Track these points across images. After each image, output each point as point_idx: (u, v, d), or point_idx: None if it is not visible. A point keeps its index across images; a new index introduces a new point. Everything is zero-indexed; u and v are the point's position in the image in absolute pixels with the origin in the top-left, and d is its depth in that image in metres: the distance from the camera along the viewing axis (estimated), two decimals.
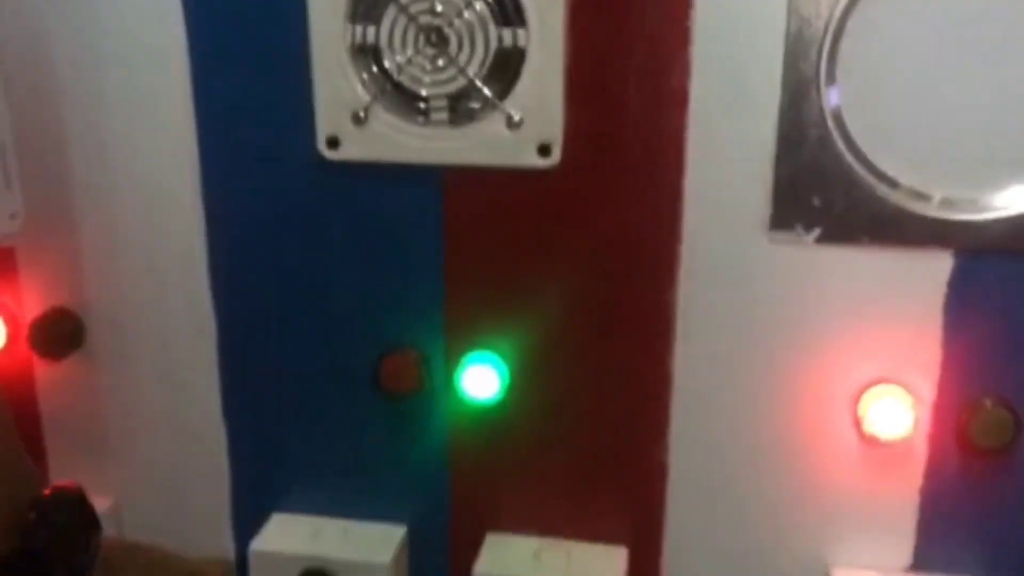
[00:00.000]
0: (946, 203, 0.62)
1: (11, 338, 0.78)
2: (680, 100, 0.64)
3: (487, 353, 0.71)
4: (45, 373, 0.79)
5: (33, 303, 0.78)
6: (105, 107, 0.74)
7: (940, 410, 0.66)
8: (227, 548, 0.82)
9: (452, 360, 0.72)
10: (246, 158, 0.72)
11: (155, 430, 0.81)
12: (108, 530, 0.74)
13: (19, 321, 0.77)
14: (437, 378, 0.73)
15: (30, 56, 0.72)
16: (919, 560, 0.70)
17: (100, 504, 0.80)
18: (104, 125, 0.74)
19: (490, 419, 0.73)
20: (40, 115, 0.73)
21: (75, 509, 0.77)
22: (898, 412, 0.66)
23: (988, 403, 0.65)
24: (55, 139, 0.74)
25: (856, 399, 0.67)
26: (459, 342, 0.72)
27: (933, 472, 0.68)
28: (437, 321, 0.72)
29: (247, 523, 0.80)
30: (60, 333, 0.77)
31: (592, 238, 0.67)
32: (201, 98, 0.71)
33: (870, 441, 0.67)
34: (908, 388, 0.66)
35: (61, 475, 0.83)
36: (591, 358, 0.72)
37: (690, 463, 0.73)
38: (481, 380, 0.71)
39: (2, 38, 0.71)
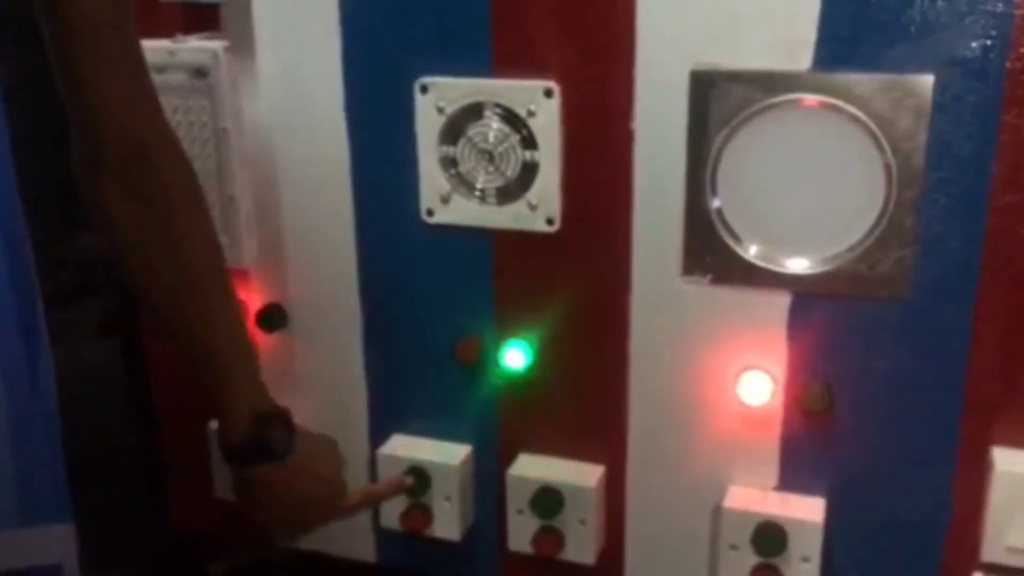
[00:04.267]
0: (781, 262, 0.89)
1: (247, 319, 1.04)
2: (626, 194, 0.92)
3: (519, 341, 1.00)
4: (263, 341, 1.08)
5: (260, 298, 1.09)
6: (295, 171, 1.03)
7: (787, 387, 0.91)
8: (365, 455, 1.10)
9: (498, 344, 1.01)
10: (380, 218, 1.02)
11: (322, 381, 1.10)
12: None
13: (252, 308, 1.08)
14: (489, 356, 1.02)
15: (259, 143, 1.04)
16: (782, 483, 0.94)
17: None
18: (298, 191, 1.04)
19: (520, 381, 1.01)
20: (262, 176, 1.05)
21: None
22: (762, 388, 0.92)
23: (814, 384, 0.90)
24: (272, 196, 1.06)
25: (737, 379, 0.93)
26: (502, 334, 1.00)
27: (786, 425, 0.93)
28: (489, 320, 1.01)
29: (376, 440, 1.09)
30: (273, 317, 1.08)
31: (578, 272, 0.96)
32: (357, 182, 1.01)
33: (745, 406, 0.93)
34: (768, 373, 0.92)
35: (276, 399, 1.00)
36: (580, 347, 0.98)
37: (642, 418, 0.97)
38: (515, 357, 1.00)
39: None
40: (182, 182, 0.84)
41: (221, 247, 0.89)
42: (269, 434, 0.91)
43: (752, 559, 0.93)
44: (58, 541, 1.19)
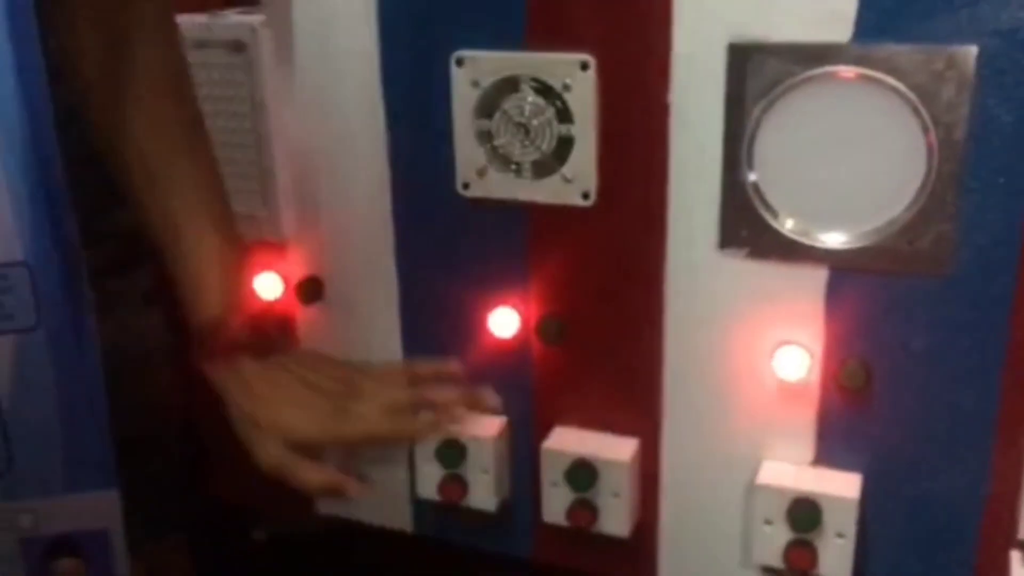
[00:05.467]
0: (818, 237, 0.88)
1: (285, 292, 1.10)
2: (661, 168, 0.92)
3: (551, 318, 1.01)
4: (302, 313, 1.11)
5: (297, 271, 1.10)
6: (332, 145, 1.04)
7: (824, 363, 0.90)
8: None
9: (531, 319, 1.03)
10: (416, 192, 1.02)
11: (358, 353, 1.05)
12: None
13: (290, 281, 1.10)
14: (526, 330, 1.03)
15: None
16: (817, 458, 0.94)
17: None
18: (335, 165, 1.05)
19: (554, 355, 1.03)
20: (299, 150, 1.06)
21: None
22: (799, 363, 0.91)
23: (851, 359, 0.89)
24: (309, 170, 1.07)
25: (772, 354, 0.92)
26: (535, 309, 1.02)
27: (822, 401, 0.91)
28: (524, 293, 1.01)
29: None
30: (310, 289, 1.09)
31: (614, 246, 0.96)
32: (393, 156, 1.02)
33: (781, 381, 0.93)
34: (805, 347, 0.90)
35: None
36: (616, 320, 0.98)
37: (676, 392, 0.98)
38: (549, 332, 1.01)
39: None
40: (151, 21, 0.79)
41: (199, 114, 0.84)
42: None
43: (787, 534, 0.93)
44: (104, 507, 1.21)
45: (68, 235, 1.19)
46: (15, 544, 1.21)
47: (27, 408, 1.19)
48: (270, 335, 0.84)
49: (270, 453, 0.82)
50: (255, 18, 1.00)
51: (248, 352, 0.83)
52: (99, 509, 1.22)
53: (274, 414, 0.82)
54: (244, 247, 0.87)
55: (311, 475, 0.81)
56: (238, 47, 0.99)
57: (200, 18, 1.01)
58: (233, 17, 1.01)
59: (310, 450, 0.82)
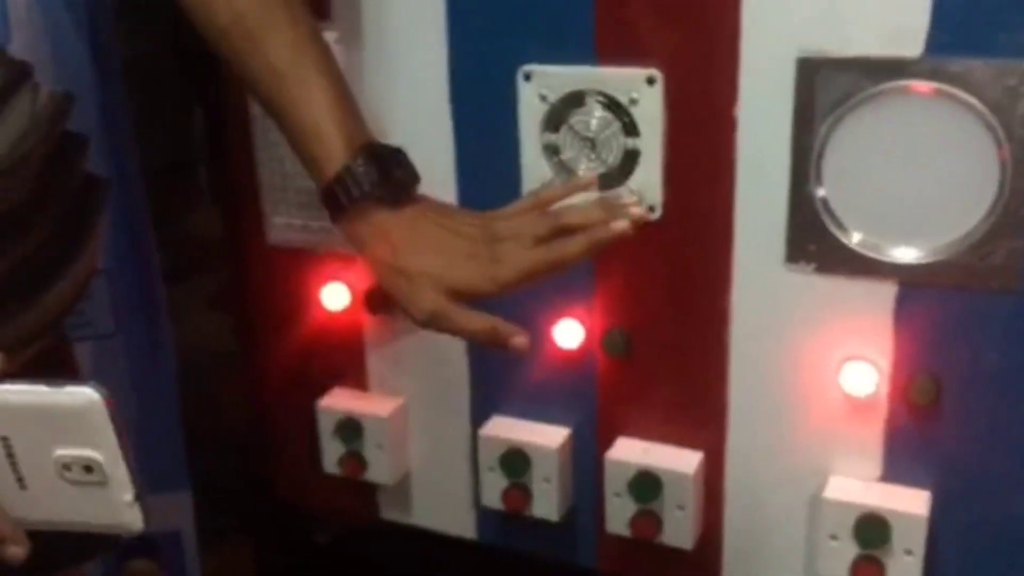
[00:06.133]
0: (888, 252, 0.88)
1: (352, 301, 1.12)
2: (728, 182, 0.92)
3: (616, 330, 1.01)
4: (369, 324, 1.14)
5: (363, 282, 1.10)
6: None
7: (893, 378, 0.90)
8: (466, 435, 1.12)
9: (596, 331, 1.03)
10: (483, 204, 0.92)
11: (425, 362, 1.13)
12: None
13: (357, 291, 1.12)
14: (591, 342, 1.04)
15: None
16: (885, 474, 0.93)
17: (389, 405, 1.13)
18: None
19: (618, 366, 1.03)
20: None
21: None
22: (867, 378, 0.91)
23: (921, 375, 0.89)
24: None
25: (839, 369, 0.92)
26: (600, 321, 1.02)
27: (890, 417, 0.91)
28: (589, 304, 1.02)
29: (477, 421, 1.10)
30: (379, 300, 1.10)
31: (679, 258, 0.96)
32: (461, 168, 1.04)
33: (848, 396, 0.92)
34: (872, 363, 0.90)
35: (378, 378, 1.16)
36: (681, 333, 0.98)
37: (742, 405, 0.98)
38: (614, 344, 1.02)
39: None
40: None
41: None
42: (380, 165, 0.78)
43: (853, 550, 0.93)
44: (177, 508, 1.26)
45: (146, 242, 1.23)
46: None
47: None
48: (400, 178, 0.79)
49: (427, 300, 0.76)
50: (328, 35, 1.01)
51: (380, 201, 0.77)
52: (173, 510, 1.26)
53: (423, 262, 0.76)
54: (350, 92, 0.82)
55: (475, 322, 0.76)
56: None
57: None
58: None
59: (464, 298, 0.77)
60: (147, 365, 1.23)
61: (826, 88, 0.86)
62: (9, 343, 0.73)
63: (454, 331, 0.77)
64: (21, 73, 0.73)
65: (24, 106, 0.70)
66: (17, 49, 1.12)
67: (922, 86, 0.83)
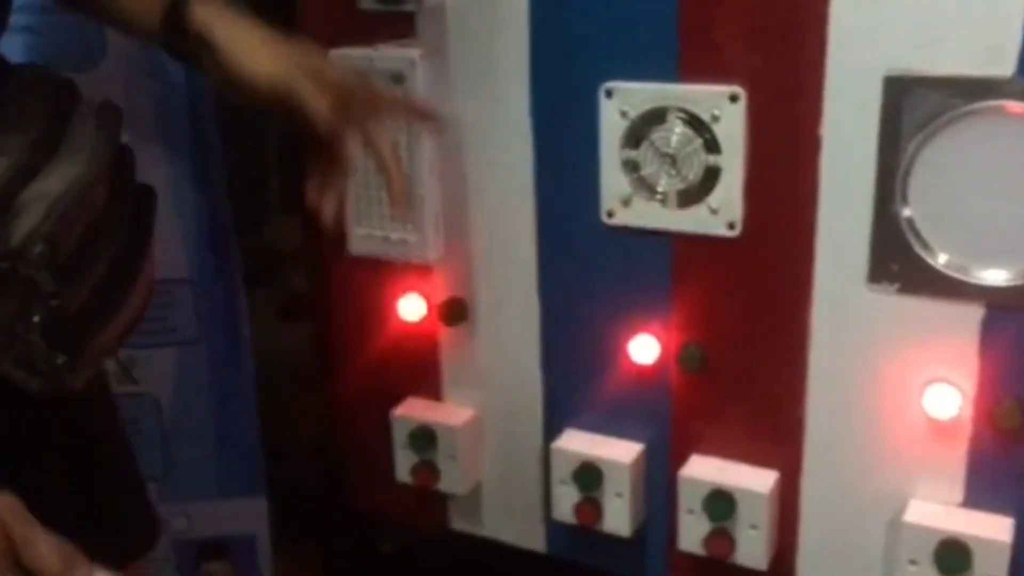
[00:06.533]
0: (975, 274, 0.87)
1: (428, 313, 1.14)
2: (810, 200, 0.91)
3: (693, 346, 1.01)
4: (445, 335, 1.14)
5: (440, 294, 1.13)
6: (482, 172, 1.07)
7: (977, 402, 0.89)
8: (539, 448, 1.13)
9: (671, 346, 1.03)
10: (561, 218, 1.05)
11: (499, 375, 1.13)
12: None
13: (432, 303, 1.13)
14: (666, 358, 1.04)
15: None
16: (967, 500, 0.92)
17: (462, 415, 1.15)
18: (483, 191, 1.08)
19: (693, 383, 1.03)
20: (451, 176, 1.09)
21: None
22: (950, 401, 0.90)
23: (1007, 399, 0.87)
24: (460, 196, 1.10)
25: (922, 391, 0.91)
26: (676, 337, 1.03)
27: (973, 441, 0.90)
28: (666, 321, 1.02)
29: (550, 434, 1.11)
30: (455, 311, 1.12)
31: (759, 276, 0.96)
32: (540, 183, 1.05)
33: (931, 419, 0.91)
34: (956, 386, 0.89)
35: (455, 390, 1.17)
36: (759, 351, 0.98)
37: (819, 425, 0.97)
38: (690, 360, 1.01)
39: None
40: None
41: None
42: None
43: None
44: (252, 513, 1.29)
45: (229, 251, 1.27)
46: (169, 545, 1.29)
47: (185, 417, 1.28)
48: None
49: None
50: (414, 51, 1.04)
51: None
52: (248, 514, 1.29)
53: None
54: None
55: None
56: (398, 78, 1.03)
57: (363, 51, 1.05)
58: (394, 50, 1.05)
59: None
60: (228, 372, 1.26)
61: (914, 107, 0.85)
62: (96, 355, 0.75)
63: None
64: (72, 85, 0.75)
65: (88, 114, 0.72)
66: (113, 66, 1.17)
67: (1014, 106, 0.82)
